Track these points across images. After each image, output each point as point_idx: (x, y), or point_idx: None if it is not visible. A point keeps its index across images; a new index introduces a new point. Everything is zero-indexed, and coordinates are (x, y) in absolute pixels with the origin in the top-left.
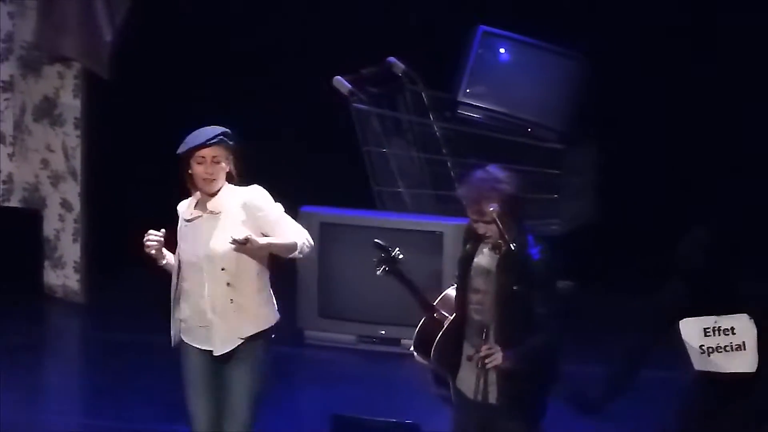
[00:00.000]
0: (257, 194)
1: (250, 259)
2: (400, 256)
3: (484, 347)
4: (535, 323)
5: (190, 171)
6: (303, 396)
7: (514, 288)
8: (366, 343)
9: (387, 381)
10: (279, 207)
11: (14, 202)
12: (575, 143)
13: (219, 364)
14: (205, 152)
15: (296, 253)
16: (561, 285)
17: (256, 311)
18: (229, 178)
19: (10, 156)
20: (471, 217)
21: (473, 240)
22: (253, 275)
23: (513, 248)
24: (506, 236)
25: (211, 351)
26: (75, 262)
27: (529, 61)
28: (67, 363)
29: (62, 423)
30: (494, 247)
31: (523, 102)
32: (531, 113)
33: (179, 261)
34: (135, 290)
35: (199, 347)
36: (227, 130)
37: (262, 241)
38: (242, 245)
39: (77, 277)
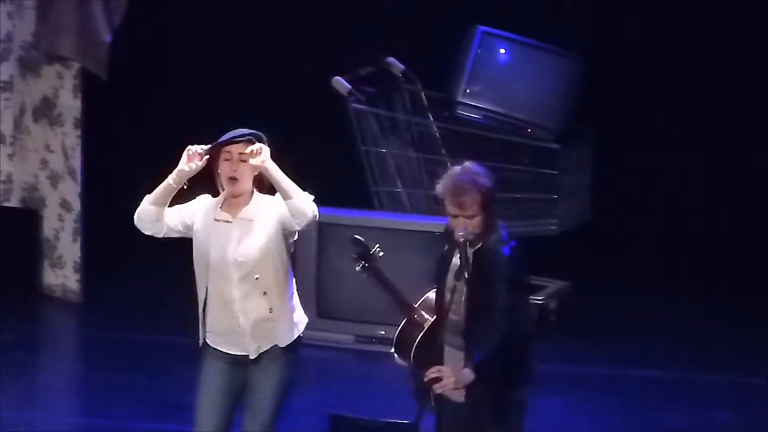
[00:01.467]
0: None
1: (281, 265)
2: (380, 254)
3: (432, 369)
4: (498, 319)
5: (218, 170)
6: (301, 396)
7: (485, 285)
8: (364, 344)
9: (385, 381)
10: None
11: (13, 202)
12: (570, 142)
13: (245, 366)
14: (232, 149)
15: (304, 202)
16: (558, 285)
17: (293, 318)
18: (259, 187)
19: (10, 156)
20: (451, 213)
21: (451, 240)
22: (285, 280)
23: (487, 245)
24: (485, 230)
25: (238, 354)
26: (74, 261)
27: (528, 62)
28: (65, 363)
29: (62, 423)
30: (467, 242)
31: (521, 102)
32: (529, 113)
33: (207, 262)
34: (134, 290)
35: (229, 352)
36: (261, 134)
37: (274, 167)
38: (254, 153)
39: (76, 277)
